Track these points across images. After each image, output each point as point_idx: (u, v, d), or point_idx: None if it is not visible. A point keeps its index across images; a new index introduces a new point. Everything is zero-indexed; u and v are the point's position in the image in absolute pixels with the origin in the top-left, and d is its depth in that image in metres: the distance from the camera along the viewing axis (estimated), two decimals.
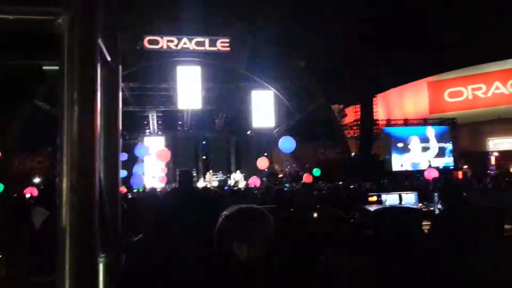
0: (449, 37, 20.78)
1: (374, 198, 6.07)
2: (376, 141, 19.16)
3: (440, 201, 3.77)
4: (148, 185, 14.82)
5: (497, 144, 21.45)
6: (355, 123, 19.66)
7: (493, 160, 19.02)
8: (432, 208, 5.50)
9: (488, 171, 16.84)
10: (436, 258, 2.84)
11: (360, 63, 18.47)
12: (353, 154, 18.58)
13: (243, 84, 18.67)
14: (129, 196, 9.22)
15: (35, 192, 9.39)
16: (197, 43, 17.09)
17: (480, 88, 23.95)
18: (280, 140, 11.19)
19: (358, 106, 19.27)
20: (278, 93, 18.50)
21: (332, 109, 19.43)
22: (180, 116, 20.71)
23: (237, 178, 16.88)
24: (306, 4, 16.66)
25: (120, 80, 1.06)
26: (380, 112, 21.44)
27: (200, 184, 17.57)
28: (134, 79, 17.56)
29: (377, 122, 19.38)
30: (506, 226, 5.02)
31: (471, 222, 3.27)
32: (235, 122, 21.14)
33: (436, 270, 2.68)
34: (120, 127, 1.07)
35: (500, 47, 21.61)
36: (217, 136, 22.90)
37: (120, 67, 1.06)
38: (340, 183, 9.96)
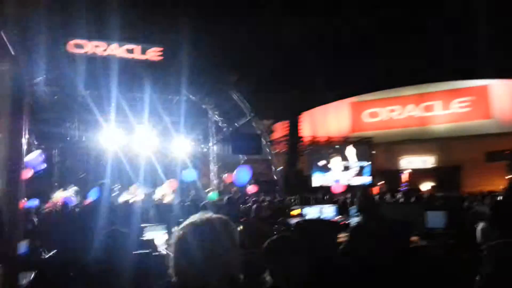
0: (369, 61, 22.45)
1: (296, 212, 6.32)
2: (301, 157, 19.91)
3: (356, 213, 4.03)
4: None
5: (408, 162, 23.46)
6: (282, 138, 20.28)
7: (404, 177, 20.72)
8: (349, 221, 5.84)
9: (400, 188, 18.29)
10: (347, 268, 3.01)
11: (289, 80, 19.24)
12: (279, 169, 19.10)
13: (172, 96, 18.37)
14: (44, 211, 8.53)
15: None
16: (127, 50, 16.54)
17: (395, 110, 26.15)
18: (236, 172, 11.28)
19: (286, 122, 19.94)
20: (208, 108, 18.52)
21: (261, 124, 19.87)
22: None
23: (164, 191, 16.40)
24: (241, 21, 17.02)
25: (24, 77, 0.99)
26: (305, 129, 22.38)
27: (124, 197, 16.71)
28: (55, 84, 16.42)
29: (302, 138, 20.21)
30: (413, 238, 5.49)
31: (382, 233, 3.54)
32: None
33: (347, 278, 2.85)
34: (26, 133, 0.99)
35: (413, 73, 23.89)
36: None
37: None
38: (268, 198, 10.17)
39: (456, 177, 20.81)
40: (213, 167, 19.22)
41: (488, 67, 23.62)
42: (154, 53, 16.96)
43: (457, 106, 25.67)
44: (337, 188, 11.01)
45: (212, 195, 13.81)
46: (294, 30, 18.70)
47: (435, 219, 6.67)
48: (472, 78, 25.37)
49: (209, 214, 1.67)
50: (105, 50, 16.22)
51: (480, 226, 1.98)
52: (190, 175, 13.94)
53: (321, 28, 21.03)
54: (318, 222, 4.44)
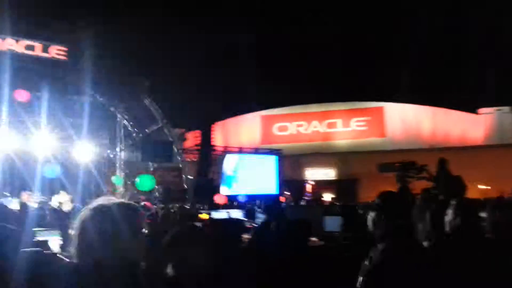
0: (280, 77, 23.61)
1: (205, 216, 6.38)
2: (213, 166, 19.98)
3: (262, 214, 4.25)
4: None
5: (312, 174, 24.94)
6: (194, 148, 20.19)
7: (308, 187, 21.97)
8: (255, 224, 6.09)
9: (304, 197, 19.35)
10: (253, 260, 3.17)
11: (203, 90, 19.33)
12: (191, 177, 18.93)
13: (78, 97, 17.22)
14: None
15: None
16: (27, 47, 15.13)
17: (302, 125, 27.74)
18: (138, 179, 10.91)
19: (199, 131, 19.93)
20: (117, 111, 17.72)
21: (173, 132, 19.56)
22: None
23: (61, 200, 15.17)
24: (155, 24, 16.70)
25: None
26: (218, 139, 22.59)
27: (14, 204, 15.06)
28: None
29: (215, 148, 20.35)
30: (313, 239, 5.90)
31: (286, 230, 3.81)
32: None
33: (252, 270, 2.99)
34: None
35: (318, 91, 25.66)
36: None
37: None
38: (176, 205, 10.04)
39: (353, 189, 22.63)
40: (120, 174, 18.35)
41: (384, 91, 26.41)
42: (58, 52, 15.82)
43: (356, 124, 28.13)
44: (219, 199, 10.97)
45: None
46: (209, 41, 18.94)
47: (332, 223, 7.25)
48: (369, 100, 28.09)
49: (112, 199, 1.67)
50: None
51: (370, 215, 2.24)
52: (53, 171, 13.12)
53: (237, 41, 21.60)
54: (224, 219, 4.56)
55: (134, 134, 18.36)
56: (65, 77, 16.05)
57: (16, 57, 14.83)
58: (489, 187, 18.89)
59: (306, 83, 25.07)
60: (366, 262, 2.13)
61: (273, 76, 24.06)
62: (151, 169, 17.81)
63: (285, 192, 20.45)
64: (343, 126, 28.11)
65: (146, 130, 18.17)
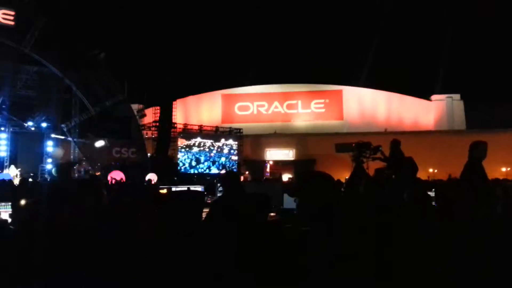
0: (242, 56, 23.41)
1: (165, 191, 6.34)
2: (172, 143, 19.69)
3: (220, 189, 4.29)
4: None
5: (272, 154, 25.26)
6: (153, 124, 19.72)
7: (268, 167, 22.27)
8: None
9: (263, 177, 19.60)
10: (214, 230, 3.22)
11: (164, 66, 18.81)
12: (149, 154, 18.56)
13: (29, 67, 16.23)
14: None
15: None
16: None
17: (263, 105, 27.86)
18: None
19: (158, 108, 19.45)
20: (72, 84, 16.88)
21: (131, 108, 18.99)
22: None
23: (12, 174, 14.45)
24: None
25: None
26: (178, 116, 22.19)
27: None
28: None
29: (175, 125, 19.99)
30: (272, 214, 6.04)
31: (244, 203, 3.88)
32: (15, 107, 18.02)
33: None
34: None
35: (280, 72, 25.78)
36: None
37: None
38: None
39: (311, 169, 23.19)
40: (73, 148, 17.71)
41: (343, 75, 27.01)
42: (4, 16, 14.80)
43: (315, 106, 28.65)
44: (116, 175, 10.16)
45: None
46: (174, 16, 18.34)
47: (290, 201, 7.43)
48: (328, 83, 28.61)
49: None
50: None
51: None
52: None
53: (202, 18, 21.09)
54: (182, 191, 4.56)
55: (90, 109, 17.64)
56: (17, 45, 15.09)
57: None
58: (436, 170, 20.05)
59: (268, 63, 25.08)
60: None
61: (236, 56, 23.84)
62: (108, 145, 17.25)
63: (245, 172, 20.62)
64: (303, 107, 28.53)
65: (104, 104, 17.50)
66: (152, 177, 10.30)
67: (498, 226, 2.44)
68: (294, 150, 25.48)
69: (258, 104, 28.01)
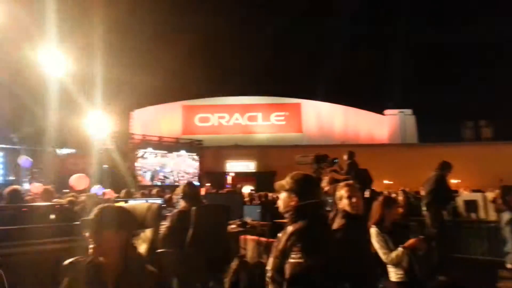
0: (201, 68, 23.38)
1: (121, 204, 6.16)
2: (131, 154, 19.20)
3: (181, 200, 4.26)
4: None
5: (233, 166, 25.23)
6: (112, 135, 19.15)
7: (229, 179, 22.19)
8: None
9: (224, 189, 19.49)
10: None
11: (122, 75, 18.37)
12: (105, 166, 17.97)
13: None
14: None
15: None
16: None
17: (224, 117, 27.87)
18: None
19: (117, 117, 18.96)
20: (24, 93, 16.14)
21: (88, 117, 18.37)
22: None
23: None
24: None
25: None
26: (136, 127, 21.71)
27: None
28: None
29: (133, 136, 19.54)
30: (232, 226, 6.03)
31: (205, 213, 3.90)
32: None
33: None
34: None
35: (241, 85, 25.97)
36: None
37: None
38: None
39: (271, 180, 23.36)
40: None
41: (301, 88, 27.66)
42: None
43: (275, 119, 29.04)
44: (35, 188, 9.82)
45: None
46: (133, 24, 18.05)
47: (252, 211, 7.47)
48: (287, 96, 29.16)
49: None
50: None
51: (282, 195, 2.33)
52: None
53: (164, 28, 20.91)
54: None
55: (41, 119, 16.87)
56: None
57: None
58: (391, 182, 20.84)
59: (228, 76, 25.21)
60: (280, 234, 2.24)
61: (196, 67, 23.79)
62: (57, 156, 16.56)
63: (206, 184, 20.41)
64: (263, 120, 28.83)
65: (56, 114, 16.80)
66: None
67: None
68: (255, 162, 25.60)
69: (219, 116, 27.99)
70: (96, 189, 11.13)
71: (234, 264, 2.63)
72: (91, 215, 1.79)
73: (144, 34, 19.99)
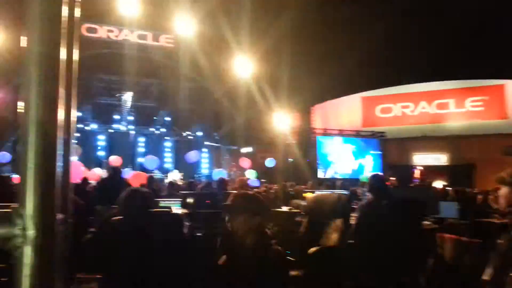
0: (381, 56, 22.17)
1: (309, 195, 6.31)
2: (312, 149, 19.83)
3: (368, 192, 4.01)
4: None
5: (421, 159, 23.20)
6: (293, 130, 20.18)
7: (417, 173, 20.50)
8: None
9: (411, 183, 18.10)
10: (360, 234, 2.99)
11: (301, 73, 19.08)
12: (289, 160, 19.04)
13: (187, 83, 18.41)
14: None
15: None
16: (139, 36, 16.59)
17: (408, 106, 25.85)
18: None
19: (297, 114, 19.87)
20: (222, 97, 18.51)
21: (273, 115, 19.78)
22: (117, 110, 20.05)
23: (175, 177, 16.50)
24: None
25: None
26: (317, 122, 22.25)
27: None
28: None
29: (314, 131, 20.11)
30: (426, 222, 5.41)
31: (393, 209, 3.55)
32: (176, 120, 20.74)
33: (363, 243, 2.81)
34: None
35: (424, 70, 23.58)
36: (155, 133, 22.25)
37: None
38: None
39: (469, 175, 20.55)
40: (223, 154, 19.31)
41: (504, 67, 23.21)
42: (167, 40, 17.08)
43: (470, 105, 25.29)
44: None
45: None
46: (308, 18, 18.48)
47: (448, 209, 6.61)
48: (486, 77, 24.96)
49: None
50: (117, 35, 16.31)
51: (503, 190, 1.95)
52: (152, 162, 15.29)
53: (340, 20, 20.81)
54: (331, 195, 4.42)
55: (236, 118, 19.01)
56: (176, 64, 17.24)
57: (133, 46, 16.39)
58: None
59: (411, 61, 23.12)
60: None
61: (374, 55, 22.71)
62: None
63: (390, 178, 19.39)
64: (456, 106, 25.49)
65: (248, 112, 18.67)
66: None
67: None
68: (447, 154, 22.93)
69: (402, 105, 26.11)
70: (252, 180, 12.35)
71: (430, 262, 2.42)
72: (228, 201, 2.04)
73: (321, 32, 20.26)
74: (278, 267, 1.97)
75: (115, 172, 6.90)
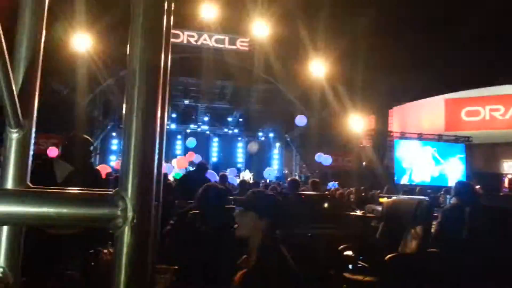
0: (465, 57, 20.46)
1: (385, 200, 6.05)
2: (389, 153, 18.98)
3: (452, 197, 3.78)
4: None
5: (511, 166, 21.06)
6: (368, 133, 19.50)
7: (506, 181, 18.67)
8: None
9: (500, 192, 16.50)
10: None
11: (378, 74, 18.33)
12: (364, 163, 18.42)
13: (261, 85, 18.69)
14: None
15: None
16: (217, 41, 17.20)
17: (498, 110, 23.62)
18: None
19: (373, 116, 19.16)
20: (295, 99, 18.50)
21: (347, 117, 19.32)
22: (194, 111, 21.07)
23: (246, 177, 16.86)
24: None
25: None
26: (395, 125, 21.25)
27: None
28: None
29: (392, 134, 19.23)
30: None
31: (479, 215, 3.28)
32: (249, 121, 21.21)
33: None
34: None
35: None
36: (229, 134, 22.97)
37: None
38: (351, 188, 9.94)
39: None
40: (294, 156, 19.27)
41: None
42: (242, 44, 17.49)
43: None
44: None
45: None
46: (382, 20, 17.72)
47: None
48: None
49: None
50: (197, 40, 17.08)
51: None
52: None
53: (420, 19, 19.69)
54: (406, 201, 4.20)
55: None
56: (251, 67, 17.60)
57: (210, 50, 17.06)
58: None
59: (503, 60, 21.00)
60: None
61: (460, 54, 21.06)
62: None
63: (476, 186, 17.88)
64: None
65: (320, 114, 18.44)
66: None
67: None
68: None
69: (491, 108, 23.93)
70: (331, 184, 12.16)
71: None
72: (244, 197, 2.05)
73: (400, 30, 19.29)
74: None
75: (199, 168, 7.13)
